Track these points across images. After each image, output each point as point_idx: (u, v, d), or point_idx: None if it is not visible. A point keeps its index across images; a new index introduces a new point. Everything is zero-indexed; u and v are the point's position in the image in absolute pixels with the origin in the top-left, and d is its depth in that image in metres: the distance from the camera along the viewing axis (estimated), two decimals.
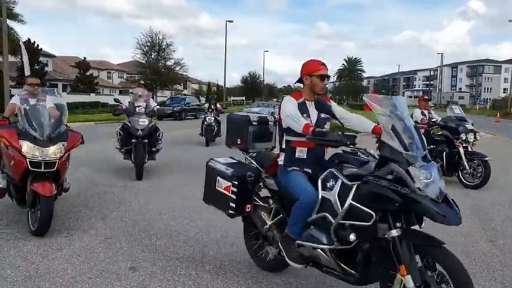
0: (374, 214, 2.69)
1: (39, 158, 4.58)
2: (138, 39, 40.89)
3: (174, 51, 42.36)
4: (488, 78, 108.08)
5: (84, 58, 47.37)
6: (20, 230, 4.92)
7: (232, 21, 54.24)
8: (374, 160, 2.97)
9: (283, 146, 3.51)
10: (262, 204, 3.80)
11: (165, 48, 41.28)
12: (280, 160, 3.49)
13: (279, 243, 3.49)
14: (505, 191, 7.73)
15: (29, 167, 4.57)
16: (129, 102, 8.69)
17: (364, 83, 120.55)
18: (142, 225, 5.25)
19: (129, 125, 8.27)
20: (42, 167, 4.62)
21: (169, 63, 42.39)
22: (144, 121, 8.20)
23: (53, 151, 4.66)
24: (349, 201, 2.82)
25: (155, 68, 40.42)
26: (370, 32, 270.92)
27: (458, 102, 79.18)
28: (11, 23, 28.13)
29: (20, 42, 27.83)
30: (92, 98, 39.56)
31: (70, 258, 4.15)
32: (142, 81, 11.52)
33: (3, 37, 24.53)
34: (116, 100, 9.33)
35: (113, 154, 9.53)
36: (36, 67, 36.04)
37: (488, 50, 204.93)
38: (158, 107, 9.10)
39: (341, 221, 2.88)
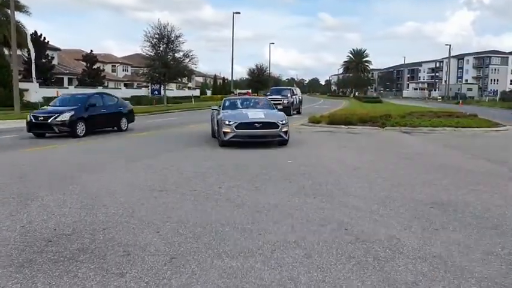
0: None
1: None
2: (146, 31, 39.91)
3: (183, 43, 41.34)
4: (495, 69, 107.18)
5: (91, 51, 46.67)
6: (67, 248, 4.22)
7: (239, 13, 53.53)
8: None
9: None
10: None
11: (173, 40, 40.29)
12: None
13: None
14: None
15: None
16: None
17: (370, 75, 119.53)
18: (206, 240, 4.51)
19: None
20: None
21: (177, 55, 41.43)
22: None
23: None
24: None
25: (164, 61, 39.46)
26: (374, 24, 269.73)
27: (467, 94, 78.41)
28: (17, 15, 27.37)
29: (28, 35, 27.09)
30: (99, 91, 38.88)
31: (138, 287, 3.43)
32: None
33: (11, 29, 23.79)
34: None
35: (142, 156, 8.79)
36: (44, 60, 35.35)
37: (492, 40, 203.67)
38: None
39: None
